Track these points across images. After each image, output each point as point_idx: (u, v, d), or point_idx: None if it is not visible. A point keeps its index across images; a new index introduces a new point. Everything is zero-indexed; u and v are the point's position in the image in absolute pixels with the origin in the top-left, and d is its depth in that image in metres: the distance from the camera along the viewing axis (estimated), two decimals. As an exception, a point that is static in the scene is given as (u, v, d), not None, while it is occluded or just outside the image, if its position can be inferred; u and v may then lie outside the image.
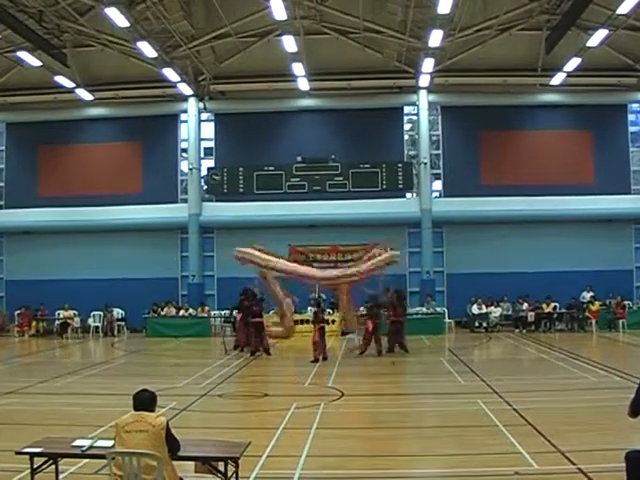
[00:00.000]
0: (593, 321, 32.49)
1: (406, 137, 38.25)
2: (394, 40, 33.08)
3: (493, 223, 35.79)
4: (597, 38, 29.98)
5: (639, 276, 36.16)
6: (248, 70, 35.34)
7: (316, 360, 22.88)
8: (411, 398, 16.74)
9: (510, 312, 34.05)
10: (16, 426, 12.81)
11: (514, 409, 13.95)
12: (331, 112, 37.31)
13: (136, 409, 7.41)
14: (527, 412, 13.46)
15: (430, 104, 36.67)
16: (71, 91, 35.50)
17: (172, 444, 7.32)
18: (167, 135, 38.19)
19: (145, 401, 7.48)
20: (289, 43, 30.52)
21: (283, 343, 27.36)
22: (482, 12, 31.51)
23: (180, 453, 7.51)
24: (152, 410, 7.46)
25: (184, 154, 38.01)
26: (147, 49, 30.52)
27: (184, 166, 37.87)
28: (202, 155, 38.00)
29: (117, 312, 34.74)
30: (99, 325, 34.06)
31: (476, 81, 35.76)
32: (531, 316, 32.84)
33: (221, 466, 7.79)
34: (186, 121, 37.63)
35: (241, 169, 36.59)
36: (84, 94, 35.85)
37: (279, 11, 27.49)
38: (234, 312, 27.53)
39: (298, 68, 33.24)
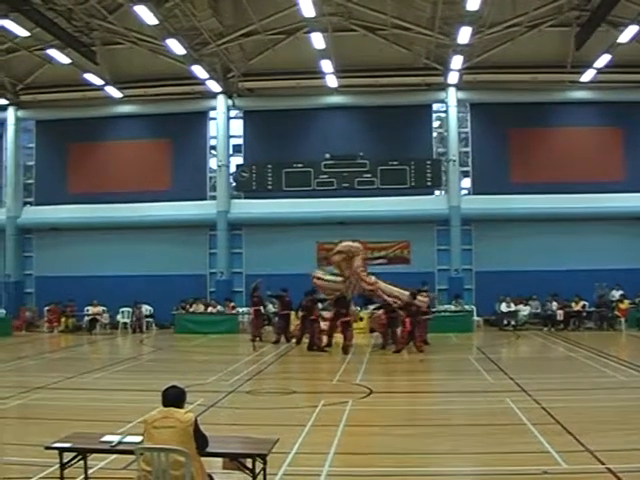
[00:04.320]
0: (622, 320, 32.28)
1: (435, 134, 38.10)
2: (422, 37, 32.99)
3: (522, 220, 35.57)
4: (628, 34, 29.70)
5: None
6: (276, 67, 35.35)
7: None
8: (439, 396, 16.68)
9: (539, 310, 33.85)
10: (45, 421, 12.91)
11: (543, 408, 13.87)
12: (359, 109, 37.26)
13: (165, 405, 7.42)
14: (556, 411, 13.37)
15: (459, 101, 36.52)
16: (100, 89, 35.70)
17: (200, 440, 7.32)
18: (196, 132, 38.24)
19: (174, 397, 7.49)
20: (317, 40, 30.51)
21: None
22: (511, 8, 31.35)
23: (208, 449, 7.51)
24: (181, 406, 7.46)
25: (213, 151, 38.10)
26: (176, 46, 30.60)
27: (213, 163, 37.99)
28: (231, 152, 38.05)
29: (146, 308, 34.91)
30: (128, 321, 34.28)
31: (505, 78, 35.61)
32: (560, 314, 32.63)
33: (249, 463, 7.80)
34: (215, 118, 37.74)
35: (270, 166, 36.60)
36: (113, 91, 36.05)
37: (307, 8, 27.47)
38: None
39: (326, 65, 33.23)
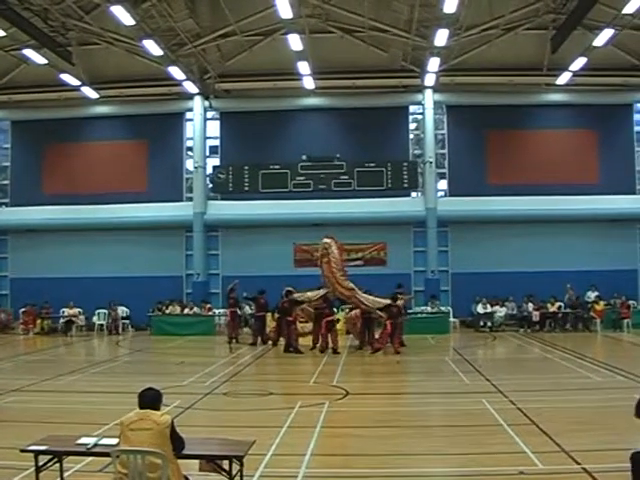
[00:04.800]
0: (598, 321, 32.49)
1: (411, 136, 38.19)
2: (399, 39, 33.04)
3: (498, 222, 35.73)
4: (603, 38, 29.92)
5: (644, 276, 36.12)
6: (253, 69, 35.32)
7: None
8: (416, 397, 16.72)
9: (515, 312, 34.00)
10: (21, 424, 12.83)
11: (518, 408, 13.96)
12: (336, 111, 37.28)
13: (141, 407, 7.41)
14: (532, 411, 13.47)
15: (435, 103, 36.62)
16: (76, 89, 35.50)
17: (177, 442, 7.32)
18: (172, 133, 38.14)
19: (150, 399, 7.49)
20: (294, 42, 30.52)
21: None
22: (488, 11, 31.47)
23: (185, 451, 7.51)
24: (157, 408, 7.46)
25: (189, 152, 38.00)
26: (152, 47, 30.49)
27: (189, 164, 37.89)
28: (207, 153, 37.97)
29: (122, 310, 34.77)
30: (104, 323, 34.10)
31: (482, 80, 35.74)
32: (536, 316, 32.79)
33: (226, 464, 7.80)
34: (191, 119, 37.63)
35: (246, 167, 36.60)
36: (89, 92, 35.86)
37: (285, 10, 27.48)
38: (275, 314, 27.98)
39: (303, 67, 33.23)
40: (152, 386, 7.73)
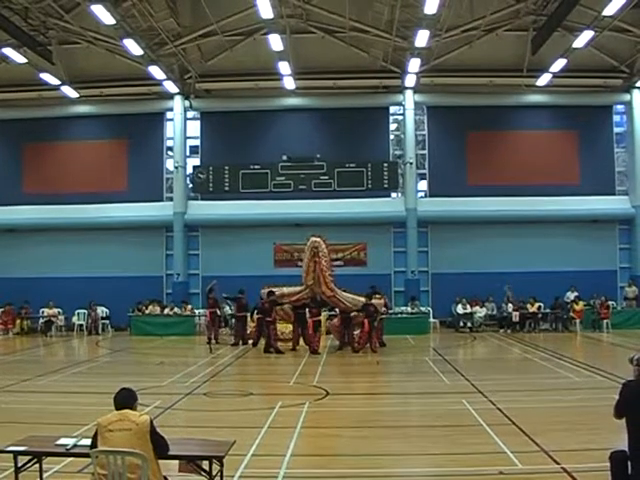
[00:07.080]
0: (577, 321, 32.61)
1: (392, 137, 38.22)
2: (380, 40, 33.11)
3: (478, 223, 35.86)
4: (583, 39, 30.08)
5: (623, 276, 36.26)
6: (234, 68, 35.31)
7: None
8: (396, 397, 16.72)
9: (495, 312, 34.10)
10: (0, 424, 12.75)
11: (498, 409, 13.98)
12: (317, 111, 37.29)
13: (116, 408, 7.36)
14: (511, 412, 13.50)
15: (416, 104, 36.67)
16: (56, 88, 35.33)
17: (159, 443, 7.25)
18: (153, 133, 38.01)
19: (125, 400, 7.43)
20: (275, 42, 30.46)
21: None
22: (468, 12, 31.56)
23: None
24: (132, 407, 7.40)
25: (170, 152, 37.88)
26: (133, 47, 30.38)
27: (170, 164, 37.78)
28: (188, 153, 37.89)
29: (101, 310, 34.60)
30: (83, 323, 33.94)
31: (462, 81, 35.78)
32: (516, 316, 32.87)
33: (206, 465, 7.75)
34: (172, 119, 37.52)
35: (227, 168, 36.53)
36: (69, 91, 35.69)
37: (265, 10, 27.41)
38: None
39: (284, 67, 33.20)
40: (127, 386, 7.69)
